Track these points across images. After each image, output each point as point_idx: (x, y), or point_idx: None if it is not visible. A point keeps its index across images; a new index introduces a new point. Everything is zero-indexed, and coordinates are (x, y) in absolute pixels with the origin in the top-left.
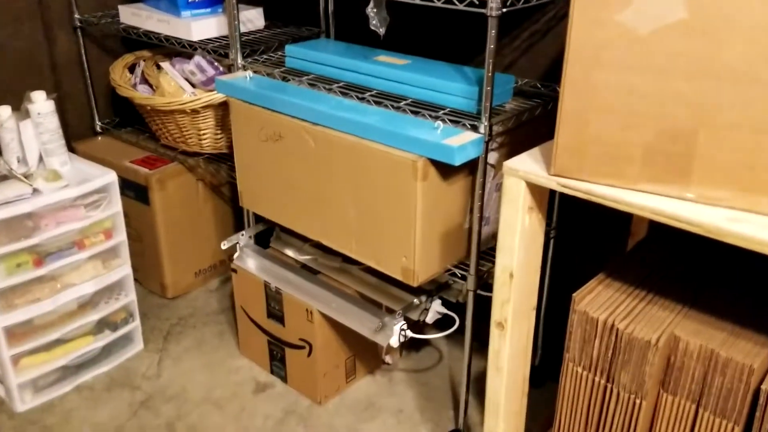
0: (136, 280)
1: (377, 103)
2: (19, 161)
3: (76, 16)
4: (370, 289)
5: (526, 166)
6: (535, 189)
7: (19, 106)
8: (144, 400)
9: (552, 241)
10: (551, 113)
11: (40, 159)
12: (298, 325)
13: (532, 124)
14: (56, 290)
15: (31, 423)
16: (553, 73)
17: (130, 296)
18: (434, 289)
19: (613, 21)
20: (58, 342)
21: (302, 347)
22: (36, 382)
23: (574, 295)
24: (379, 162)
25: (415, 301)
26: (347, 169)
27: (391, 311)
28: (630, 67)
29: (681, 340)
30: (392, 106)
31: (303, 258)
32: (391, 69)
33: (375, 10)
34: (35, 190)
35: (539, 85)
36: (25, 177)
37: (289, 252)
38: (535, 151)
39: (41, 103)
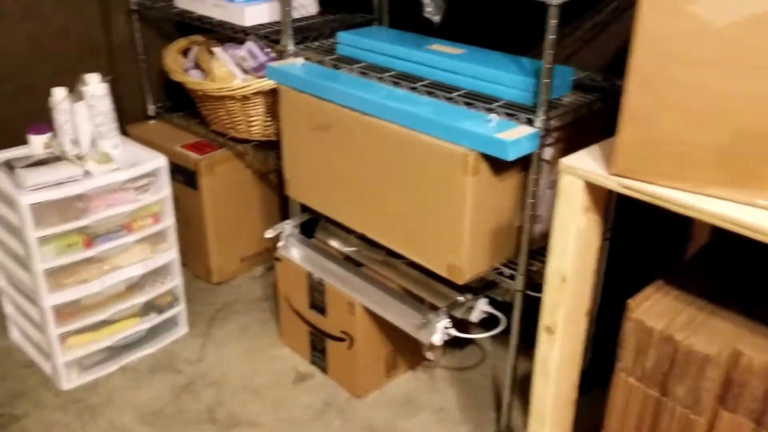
0: (182, 264)
1: (429, 93)
2: (72, 143)
3: None
4: (414, 283)
5: (584, 164)
6: (592, 189)
7: (74, 88)
8: (186, 383)
9: (607, 243)
10: (612, 109)
11: (93, 141)
12: (340, 317)
13: (590, 120)
14: (104, 272)
15: (76, 401)
16: (615, 66)
17: (176, 280)
18: (481, 287)
19: (687, 12)
20: (105, 323)
21: (343, 339)
22: (82, 361)
23: (629, 301)
24: (428, 155)
25: (460, 298)
26: (396, 161)
27: (434, 308)
28: (704, 62)
29: (743, 356)
30: (445, 97)
31: (347, 249)
32: (444, 58)
33: None
34: (86, 172)
35: (599, 79)
36: (78, 159)
37: (334, 243)
38: (594, 149)
39: (95, 85)
